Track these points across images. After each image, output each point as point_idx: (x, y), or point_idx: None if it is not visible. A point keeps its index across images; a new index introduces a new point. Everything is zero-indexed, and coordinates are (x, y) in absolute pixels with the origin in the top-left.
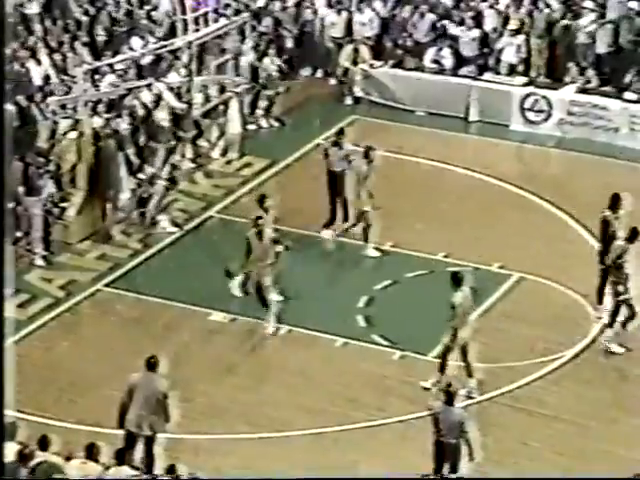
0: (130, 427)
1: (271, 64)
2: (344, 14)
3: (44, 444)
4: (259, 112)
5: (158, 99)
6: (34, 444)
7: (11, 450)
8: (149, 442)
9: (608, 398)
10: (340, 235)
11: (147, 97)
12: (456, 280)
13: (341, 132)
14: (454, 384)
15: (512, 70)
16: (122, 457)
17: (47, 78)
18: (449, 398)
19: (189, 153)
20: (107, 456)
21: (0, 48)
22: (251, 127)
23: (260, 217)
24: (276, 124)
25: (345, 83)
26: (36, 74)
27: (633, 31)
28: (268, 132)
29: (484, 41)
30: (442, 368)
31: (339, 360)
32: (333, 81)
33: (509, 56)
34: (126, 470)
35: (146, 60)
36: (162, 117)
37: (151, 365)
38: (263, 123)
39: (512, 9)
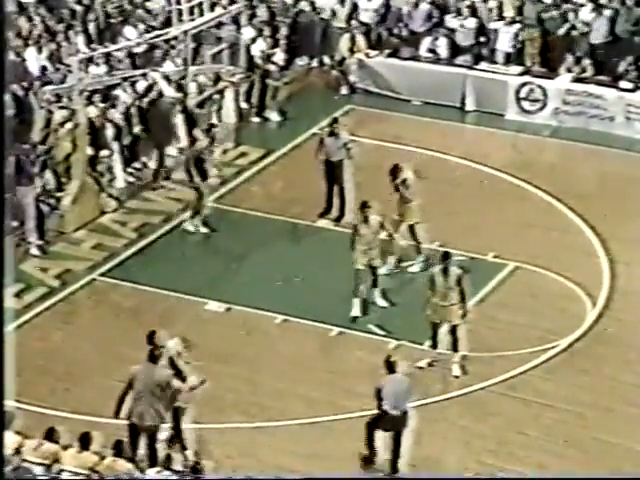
0: (132, 418)
1: (280, 52)
2: (347, 4)
3: (51, 436)
4: (267, 103)
5: (151, 88)
6: (23, 437)
7: (8, 440)
8: (151, 434)
9: (604, 387)
10: None
11: (142, 86)
12: (446, 256)
13: (335, 121)
14: (393, 355)
15: (508, 59)
16: (120, 449)
17: (43, 67)
18: (390, 368)
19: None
20: (99, 444)
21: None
22: (256, 119)
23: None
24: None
25: (342, 72)
26: (33, 63)
27: (631, 21)
28: (263, 122)
29: (480, 30)
30: (434, 345)
31: (334, 349)
32: (329, 70)
33: (504, 45)
34: (121, 462)
35: (140, 49)
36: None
37: (153, 357)
38: (273, 116)
39: None
